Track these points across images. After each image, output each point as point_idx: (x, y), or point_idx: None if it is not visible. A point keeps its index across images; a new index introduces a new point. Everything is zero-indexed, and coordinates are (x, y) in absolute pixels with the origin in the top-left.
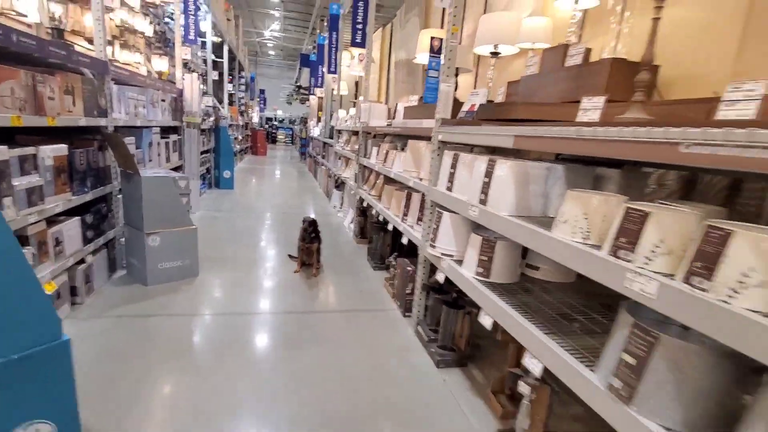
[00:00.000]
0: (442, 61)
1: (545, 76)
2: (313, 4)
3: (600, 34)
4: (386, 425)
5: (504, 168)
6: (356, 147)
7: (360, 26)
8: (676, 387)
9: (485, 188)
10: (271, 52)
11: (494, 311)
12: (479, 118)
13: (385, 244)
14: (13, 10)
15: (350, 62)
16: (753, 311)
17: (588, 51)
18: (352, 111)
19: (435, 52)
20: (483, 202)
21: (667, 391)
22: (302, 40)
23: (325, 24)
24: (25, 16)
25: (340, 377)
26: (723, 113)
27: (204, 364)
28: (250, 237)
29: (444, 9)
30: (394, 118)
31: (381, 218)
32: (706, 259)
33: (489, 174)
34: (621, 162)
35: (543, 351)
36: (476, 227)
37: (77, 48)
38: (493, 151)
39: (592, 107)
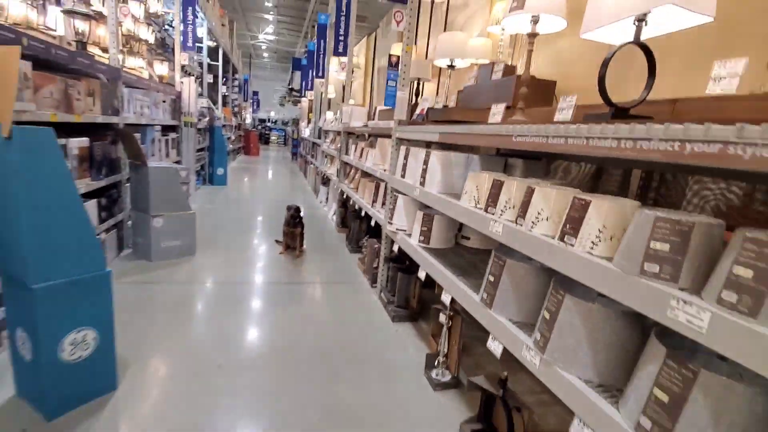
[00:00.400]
0: (399, 74)
1: (479, 87)
2: (305, 9)
3: (523, 54)
4: (347, 355)
5: (434, 157)
6: (338, 146)
7: (342, 37)
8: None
9: (423, 173)
10: (265, 55)
11: (425, 266)
12: (429, 120)
13: (361, 230)
14: (44, 25)
15: (338, 68)
16: (604, 258)
17: (508, 67)
18: (339, 113)
19: (393, 66)
20: (422, 184)
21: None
22: (295, 43)
23: (316, 30)
24: (54, 30)
25: (313, 326)
26: (559, 116)
27: (201, 315)
28: (241, 226)
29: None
30: (374, 119)
31: (358, 207)
32: (573, 222)
33: (426, 162)
34: (541, 154)
35: (451, 286)
36: (423, 207)
37: (96, 57)
38: (450, 146)
39: (497, 112)
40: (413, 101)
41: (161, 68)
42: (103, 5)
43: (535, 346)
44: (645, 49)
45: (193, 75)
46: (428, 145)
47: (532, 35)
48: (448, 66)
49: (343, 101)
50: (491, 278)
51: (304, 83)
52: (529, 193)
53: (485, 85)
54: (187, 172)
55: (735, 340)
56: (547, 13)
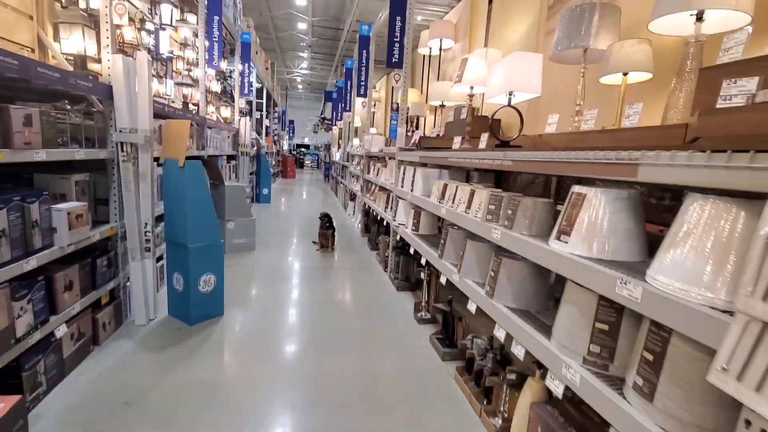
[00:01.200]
0: (399, 115)
1: (454, 123)
2: (336, 47)
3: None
4: (362, 308)
5: (418, 172)
6: (362, 167)
7: (363, 82)
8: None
9: (412, 183)
10: (300, 87)
11: (415, 245)
12: (420, 147)
13: (378, 232)
14: (162, 95)
15: (362, 104)
16: (478, 217)
17: (471, 109)
18: (362, 141)
19: (394, 110)
20: (412, 190)
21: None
22: (327, 76)
23: (344, 72)
24: (170, 95)
25: (340, 293)
26: (481, 145)
27: (263, 284)
28: (285, 232)
29: (425, 58)
30: (389, 146)
31: (375, 214)
32: (469, 202)
33: (413, 175)
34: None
35: (425, 253)
36: (414, 206)
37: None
38: (442, 166)
39: (458, 141)
40: (412, 132)
41: (225, 111)
42: (189, 68)
43: (486, 294)
44: (517, 110)
45: (247, 115)
46: (424, 164)
47: (470, 96)
48: (440, 105)
49: (366, 131)
50: (442, 241)
51: (334, 113)
52: (453, 189)
53: (457, 121)
54: (250, 189)
55: (520, 246)
56: (476, 84)
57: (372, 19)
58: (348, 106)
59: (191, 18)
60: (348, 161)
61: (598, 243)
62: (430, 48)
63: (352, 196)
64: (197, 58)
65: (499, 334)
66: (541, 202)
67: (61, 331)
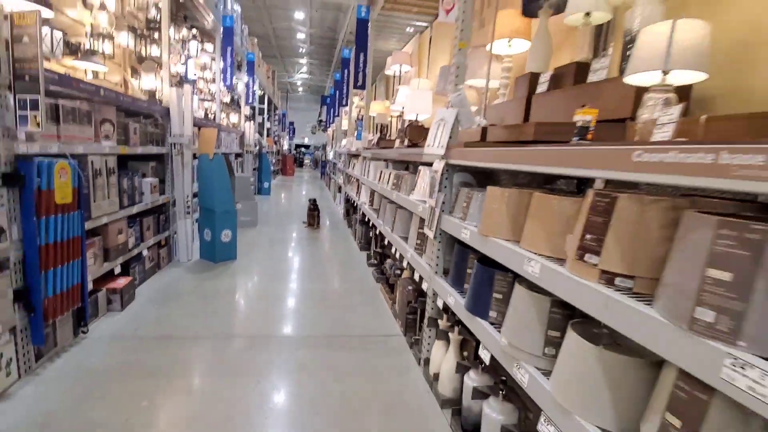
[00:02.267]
0: (363, 124)
1: (400, 129)
2: (333, 53)
3: None
4: (336, 260)
5: (370, 164)
6: (343, 163)
7: (345, 94)
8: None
9: (368, 173)
10: (300, 89)
11: (368, 214)
12: (379, 146)
13: (354, 215)
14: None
15: (345, 111)
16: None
17: (407, 122)
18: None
19: (359, 119)
20: (368, 177)
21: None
22: (325, 80)
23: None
24: (196, 109)
25: (321, 252)
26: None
27: (264, 247)
28: (281, 216)
29: (391, 77)
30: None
31: (353, 201)
32: (413, 185)
33: (367, 167)
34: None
35: (373, 219)
36: (370, 189)
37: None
38: (387, 160)
39: (397, 143)
40: (378, 134)
41: (234, 117)
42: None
43: (390, 230)
44: (421, 125)
45: (251, 120)
46: (378, 159)
47: (401, 113)
48: (399, 115)
49: (353, 134)
50: (381, 209)
51: (329, 116)
52: (384, 173)
53: (402, 128)
54: (254, 178)
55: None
56: (402, 106)
57: None
58: (338, 111)
59: (209, 46)
60: (337, 159)
61: (422, 192)
62: (393, 71)
63: (339, 189)
64: (214, 77)
65: (397, 254)
66: (408, 175)
67: (145, 253)
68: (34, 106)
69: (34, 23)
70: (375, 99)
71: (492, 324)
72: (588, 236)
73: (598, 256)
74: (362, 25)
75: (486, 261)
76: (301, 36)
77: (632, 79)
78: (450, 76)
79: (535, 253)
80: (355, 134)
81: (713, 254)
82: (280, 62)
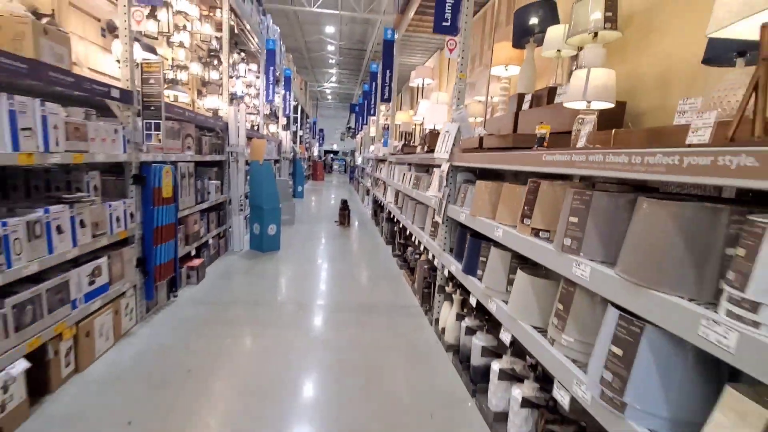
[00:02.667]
0: (389, 133)
1: (425, 135)
2: (361, 63)
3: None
4: (364, 252)
5: (395, 168)
6: (371, 168)
7: (373, 105)
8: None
9: (392, 175)
10: (329, 98)
11: (393, 211)
12: (402, 152)
13: (381, 214)
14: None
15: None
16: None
17: (427, 131)
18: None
19: (385, 128)
20: (393, 179)
21: None
22: (353, 88)
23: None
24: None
25: (351, 245)
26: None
27: (301, 240)
28: (316, 215)
29: (415, 89)
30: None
31: (380, 202)
32: (426, 184)
33: (392, 170)
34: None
35: (397, 214)
36: (395, 189)
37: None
38: (410, 164)
39: (419, 148)
40: (402, 141)
41: (273, 127)
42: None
43: (411, 222)
44: (438, 131)
45: (287, 129)
46: (402, 163)
47: (421, 123)
48: (420, 123)
49: (380, 140)
50: (403, 206)
51: (357, 124)
52: (407, 175)
53: (423, 136)
54: (292, 181)
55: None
56: (422, 116)
57: None
58: (366, 119)
59: (253, 66)
60: (365, 164)
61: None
62: (417, 83)
63: (368, 191)
64: (257, 93)
65: (416, 241)
66: (426, 176)
67: (210, 241)
68: (157, 127)
69: (158, 70)
70: (401, 108)
71: (478, 279)
72: (526, 208)
73: (530, 219)
74: (388, 45)
75: (476, 236)
76: (331, 48)
77: (569, 105)
78: (454, 98)
79: (502, 224)
80: (382, 141)
81: (571, 209)
82: (311, 72)
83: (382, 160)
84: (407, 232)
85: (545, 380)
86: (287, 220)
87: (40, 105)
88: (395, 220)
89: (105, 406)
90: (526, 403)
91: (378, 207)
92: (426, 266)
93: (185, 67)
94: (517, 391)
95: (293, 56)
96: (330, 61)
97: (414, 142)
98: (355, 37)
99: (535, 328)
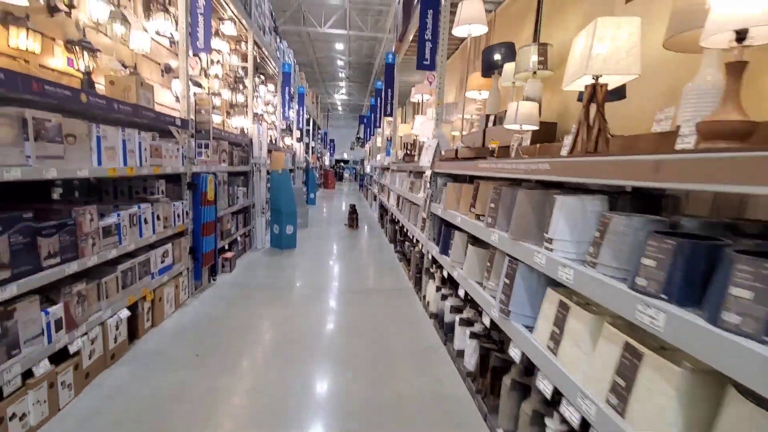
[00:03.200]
0: (391, 144)
1: (418, 147)
2: (369, 76)
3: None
4: (369, 250)
5: (396, 175)
6: (377, 175)
7: (379, 118)
8: None
9: (394, 181)
10: (339, 109)
11: (395, 213)
12: (404, 161)
13: (386, 217)
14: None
15: (378, 131)
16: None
17: (418, 142)
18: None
19: (389, 139)
20: (395, 185)
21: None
22: (363, 99)
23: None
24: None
25: (359, 244)
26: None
27: (314, 240)
28: (327, 219)
29: (416, 103)
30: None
31: (384, 205)
32: (416, 188)
33: (393, 177)
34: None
35: (398, 215)
36: (397, 194)
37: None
38: (410, 171)
39: (416, 158)
40: (403, 151)
41: (288, 140)
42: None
43: (410, 222)
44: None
45: (300, 141)
46: (403, 171)
47: (417, 136)
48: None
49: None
50: (403, 208)
51: (366, 134)
52: (405, 180)
53: (420, 147)
54: (306, 189)
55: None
56: (417, 131)
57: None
58: (373, 131)
59: (270, 86)
60: (373, 172)
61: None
62: (416, 99)
63: (375, 197)
64: (274, 110)
65: (410, 235)
66: (419, 181)
67: (239, 238)
68: (206, 146)
69: (207, 103)
70: (404, 120)
71: (448, 256)
72: (472, 200)
73: (474, 208)
74: (389, 67)
75: (448, 225)
76: (340, 63)
77: (509, 127)
78: (438, 117)
79: (461, 213)
80: (386, 151)
81: (491, 199)
82: (322, 85)
83: (386, 168)
84: (405, 230)
85: (491, 326)
86: (301, 224)
87: (138, 134)
88: (397, 221)
89: (177, 346)
90: (472, 335)
91: (383, 211)
92: (417, 255)
93: (219, 94)
94: (468, 330)
95: (305, 71)
96: (340, 74)
97: (415, 152)
98: (363, 52)
99: (477, 283)
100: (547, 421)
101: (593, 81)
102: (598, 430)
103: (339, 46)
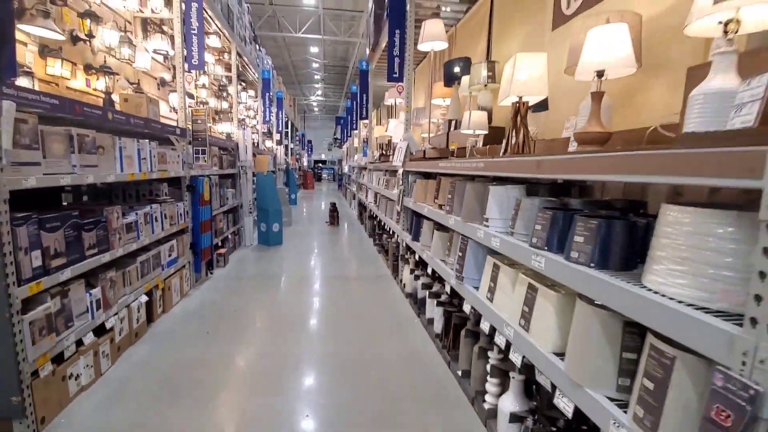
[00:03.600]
0: (368, 146)
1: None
2: (344, 79)
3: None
4: (350, 243)
5: (373, 174)
6: (355, 174)
7: (354, 120)
8: None
9: (371, 179)
10: (316, 110)
11: (373, 208)
12: (380, 161)
13: (364, 214)
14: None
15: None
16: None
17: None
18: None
19: (364, 141)
20: (372, 183)
21: None
22: (338, 101)
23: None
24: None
25: (338, 238)
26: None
27: (299, 237)
28: (309, 219)
29: (390, 106)
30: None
31: (363, 204)
32: (390, 184)
33: (371, 176)
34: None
35: (376, 211)
36: (375, 192)
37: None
38: (385, 170)
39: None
40: (379, 152)
41: (269, 143)
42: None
43: (386, 216)
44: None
45: (281, 144)
46: (379, 170)
47: (390, 138)
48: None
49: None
50: (380, 204)
51: (343, 135)
52: (380, 178)
53: (393, 147)
54: (288, 189)
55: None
56: (391, 132)
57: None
58: (350, 132)
59: (251, 92)
60: (351, 172)
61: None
62: (390, 103)
63: (354, 196)
64: (255, 115)
65: (387, 228)
66: (393, 178)
67: (229, 236)
68: (203, 152)
69: (203, 113)
70: (379, 122)
71: (419, 242)
72: (436, 192)
73: (437, 200)
74: (363, 73)
75: (418, 215)
76: (316, 65)
77: (464, 131)
78: (408, 122)
79: (428, 204)
80: (362, 152)
81: (448, 191)
82: (298, 87)
83: (364, 168)
84: (383, 224)
85: (452, 294)
86: (286, 222)
87: (149, 143)
88: (375, 216)
89: (189, 326)
90: (439, 304)
91: (362, 208)
92: (394, 245)
93: (206, 103)
94: (436, 301)
95: (281, 74)
96: (316, 77)
97: (389, 152)
98: (338, 55)
99: (441, 261)
100: (489, 354)
101: (517, 99)
102: (515, 344)
103: (314, 49)
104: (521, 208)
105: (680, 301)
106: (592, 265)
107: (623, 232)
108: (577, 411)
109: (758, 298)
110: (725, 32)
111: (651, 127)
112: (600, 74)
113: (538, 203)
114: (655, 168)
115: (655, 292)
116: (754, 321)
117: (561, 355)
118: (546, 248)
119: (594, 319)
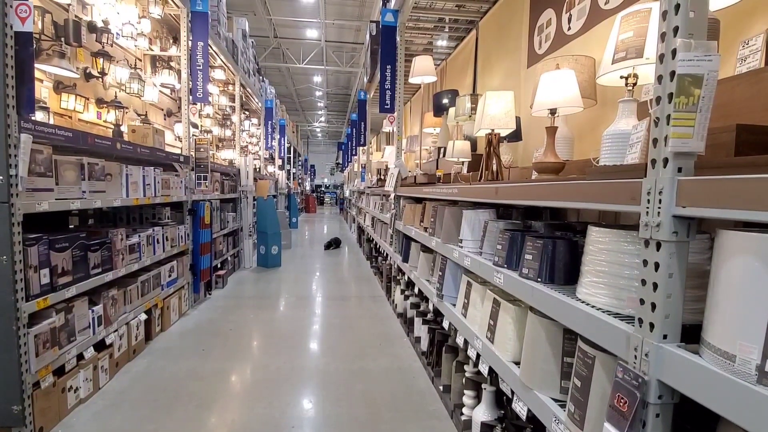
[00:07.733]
0: (365, 172)
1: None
2: (347, 105)
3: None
4: (348, 264)
5: (370, 198)
6: (355, 198)
7: (354, 146)
8: None
9: (368, 203)
10: (319, 135)
11: (370, 231)
12: (377, 186)
13: (363, 237)
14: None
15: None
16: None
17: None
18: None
19: (362, 167)
20: (370, 207)
21: None
22: (341, 127)
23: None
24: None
25: (340, 260)
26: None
27: (299, 261)
28: (310, 242)
29: (388, 133)
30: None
31: (361, 226)
32: (385, 208)
33: (369, 200)
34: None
35: (372, 234)
36: (372, 216)
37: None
38: (381, 195)
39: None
40: (377, 177)
41: (271, 168)
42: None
43: (382, 240)
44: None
45: (283, 169)
46: (376, 194)
47: (386, 165)
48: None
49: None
50: (375, 226)
51: (344, 160)
52: (378, 203)
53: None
54: (288, 213)
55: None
56: (387, 159)
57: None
58: (350, 157)
59: (254, 120)
60: (351, 196)
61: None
62: (387, 130)
63: (354, 219)
64: (258, 142)
65: (382, 250)
66: (388, 203)
67: (229, 258)
68: (205, 178)
69: (205, 142)
70: (378, 147)
71: (408, 263)
72: (421, 216)
73: (423, 223)
74: (362, 103)
75: (408, 238)
76: (319, 93)
77: (449, 159)
78: (402, 149)
79: (415, 227)
80: (361, 177)
81: (431, 214)
82: (302, 114)
83: (362, 192)
84: (378, 246)
85: (435, 312)
86: (285, 245)
87: (153, 170)
88: (372, 239)
89: (186, 343)
90: (424, 322)
91: (361, 231)
92: (387, 267)
93: (210, 131)
94: (422, 319)
95: (285, 102)
96: (318, 104)
97: (385, 177)
98: (340, 83)
99: (426, 280)
100: (466, 367)
101: (489, 131)
102: (483, 355)
103: (317, 78)
104: (487, 230)
105: (599, 309)
106: (539, 279)
107: (565, 251)
108: (530, 413)
109: (642, 302)
110: (626, 84)
111: (594, 158)
112: (552, 111)
113: (501, 225)
114: (570, 195)
115: (583, 302)
116: (640, 321)
117: (518, 363)
118: (505, 266)
119: (540, 329)
